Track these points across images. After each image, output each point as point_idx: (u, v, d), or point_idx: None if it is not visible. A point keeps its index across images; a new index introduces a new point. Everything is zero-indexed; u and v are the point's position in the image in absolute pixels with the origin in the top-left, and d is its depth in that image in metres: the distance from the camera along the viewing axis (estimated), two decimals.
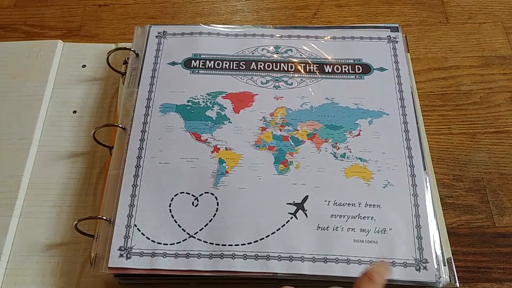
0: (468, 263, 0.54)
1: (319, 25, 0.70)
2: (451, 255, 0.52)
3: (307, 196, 0.54)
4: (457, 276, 0.51)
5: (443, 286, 0.51)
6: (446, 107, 0.64)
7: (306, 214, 0.53)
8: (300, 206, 0.54)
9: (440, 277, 0.50)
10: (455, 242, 0.55)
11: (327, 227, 0.53)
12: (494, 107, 0.64)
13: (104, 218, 0.53)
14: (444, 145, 0.61)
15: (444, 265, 0.51)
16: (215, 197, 0.54)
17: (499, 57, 0.68)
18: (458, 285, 0.51)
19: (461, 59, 0.68)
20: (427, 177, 0.55)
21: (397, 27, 0.67)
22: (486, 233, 0.56)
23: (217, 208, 0.54)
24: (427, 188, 0.55)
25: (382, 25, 0.68)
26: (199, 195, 0.55)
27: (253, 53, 0.65)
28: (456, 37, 0.70)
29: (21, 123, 0.62)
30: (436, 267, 0.50)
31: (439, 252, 0.51)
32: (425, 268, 0.50)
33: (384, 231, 0.52)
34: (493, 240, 0.55)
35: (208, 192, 0.55)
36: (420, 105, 0.62)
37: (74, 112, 0.64)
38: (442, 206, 0.56)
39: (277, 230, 0.52)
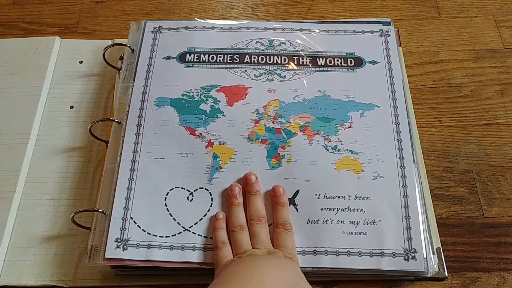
0: (457, 253, 0.55)
1: (312, 20, 0.71)
2: (440, 245, 0.54)
3: (298, 190, 0.55)
4: (446, 266, 0.53)
5: (432, 276, 0.52)
6: (437, 100, 0.65)
7: (296, 209, 0.54)
8: (291, 201, 0.54)
9: (429, 266, 0.51)
10: (444, 232, 0.56)
11: (317, 220, 0.53)
12: (485, 100, 0.65)
13: (100, 210, 0.54)
14: (435, 138, 0.62)
15: (433, 254, 0.52)
16: (210, 193, 0.55)
17: (490, 51, 0.69)
18: (446, 275, 0.52)
19: (453, 52, 0.69)
20: (417, 169, 0.56)
21: (389, 21, 0.67)
22: (475, 223, 0.57)
23: (211, 203, 0.55)
24: (416, 179, 0.55)
25: (375, 19, 0.68)
26: (194, 190, 0.56)
27: (247, 46, 0.66)
28: (448, 31, 0.71)
29: (19, 119, 0.63)
30: (424, 256, 0.51)
31: (428, 242, 0.52)
32: (413, 257, 0.51)
33: (373, 222, 0.53)
34: (481, 230, 0.56)
35: (202, 188, 0.56)
36: (412, 98, 0.63)
37: (71, 107, 0.65)
38: (432, 197, 0.57)
39: (269, 225, 0.53)
